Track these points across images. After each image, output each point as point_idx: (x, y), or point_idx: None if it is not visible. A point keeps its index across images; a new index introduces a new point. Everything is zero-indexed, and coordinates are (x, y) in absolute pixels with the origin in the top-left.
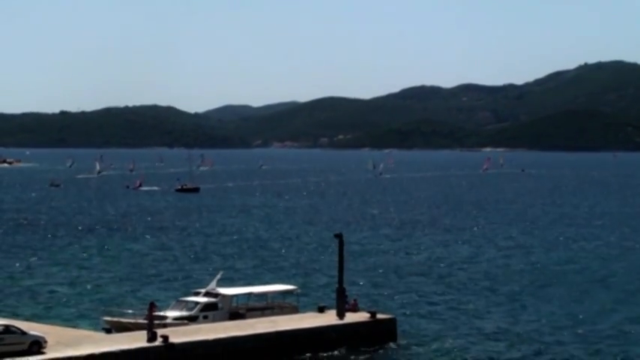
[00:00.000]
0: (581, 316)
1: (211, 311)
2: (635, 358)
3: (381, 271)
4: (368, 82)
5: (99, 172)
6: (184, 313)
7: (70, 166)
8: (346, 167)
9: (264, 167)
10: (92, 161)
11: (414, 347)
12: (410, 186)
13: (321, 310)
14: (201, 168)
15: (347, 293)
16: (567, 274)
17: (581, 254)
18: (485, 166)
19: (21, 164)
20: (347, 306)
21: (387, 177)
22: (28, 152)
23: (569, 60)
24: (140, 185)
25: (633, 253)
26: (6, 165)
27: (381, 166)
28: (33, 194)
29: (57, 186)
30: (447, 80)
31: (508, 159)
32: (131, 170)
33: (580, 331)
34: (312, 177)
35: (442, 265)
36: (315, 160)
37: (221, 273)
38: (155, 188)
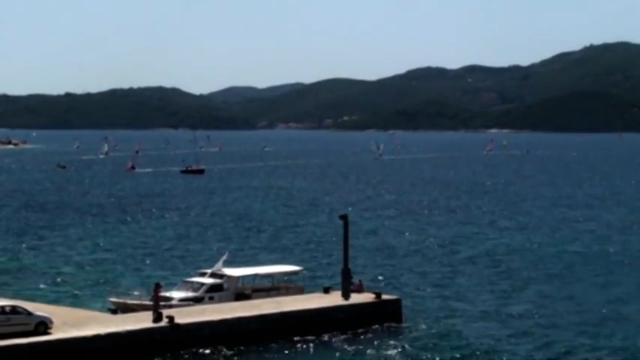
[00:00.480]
0: (581, 297)
1: (217, 292)
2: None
3: (386, 251)
4: (373, 63)
5: (107, 154)
6: (190, 294)
7: (78, 148)
8: (350, 149)
9: (266, 149)
10: (99, 143)
11: (420, 328)
12: (410, 168)
13: (326, 290)
14: (212, 149)
15: (352, 274)
16: (568, 256)
17: (583, 235)
18: (488, 148)
19: (26, 145)
20: (352, 287)
21: (387, 159)
22: (34, 134)
23: (574, 41)
24: (132, 167)
25: (632, 234)
26: (11, 146)
27: (381, 147)
28: (39, 175)
29: (63, 167)
30: (453, 61)
31: (513, 140)
32: (137, 152)
33: (581, 312)
34: (314, 159)
35: (447, 246)
36: (319, 141)
37: (227, 254)
38: (148, 170)
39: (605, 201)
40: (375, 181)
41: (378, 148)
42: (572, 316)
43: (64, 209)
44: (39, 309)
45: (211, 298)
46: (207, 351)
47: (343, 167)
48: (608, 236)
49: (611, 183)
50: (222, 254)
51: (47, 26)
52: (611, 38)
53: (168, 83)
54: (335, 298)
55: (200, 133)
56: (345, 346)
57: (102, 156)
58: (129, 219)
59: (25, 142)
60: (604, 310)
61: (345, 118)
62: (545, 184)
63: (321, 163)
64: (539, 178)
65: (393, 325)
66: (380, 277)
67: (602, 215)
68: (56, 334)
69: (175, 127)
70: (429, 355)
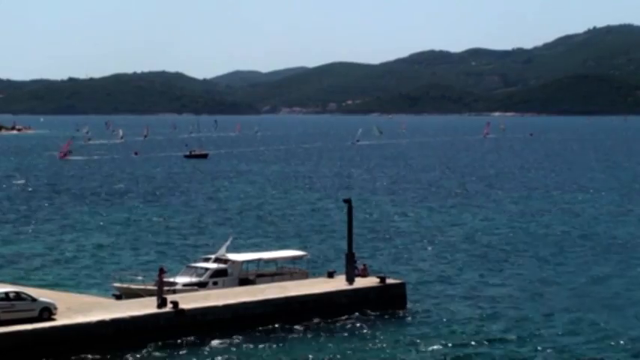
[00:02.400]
0: (584, 281)
1: (221, 277)
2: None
3: (389, 236)
4: (377, 47)
5: (122, 138)
6: (194, 279)
7: (87, 133)
8: (351, 133)
9: (259, 134)
10: (104, 128)
11: (424, 312)
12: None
13: (330, 275)
14: (231, 133)
15: (356, 258)
16: (570, 240)
17: (583, 219)
18: (485, 132)
19: (30, 131)
20: (356, 271)
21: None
22: (42, 119)
23: (578, 24)
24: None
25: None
26: (15, 132)
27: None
28: (42, 161)
29: (69, 152)
30: (456, 45)
31: (516, 123)
32: (145, 136)
33: (584, 296)
34: (312, 143)
35: (450, 230)
36: (319, 125)
37: (231, 239)
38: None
39: (606, 184)
40: (372, 166)
41: (380, 132)
42: (585, 302)
43: (67, 195)
44: (43, 295)
45: (215, 283)
46: (212, 336)
47: (340, 152)
48: (605, 219)
49: (612, 167)
50: (226, 239)
51: (50, 11)
52: (614, 21)
53: (171, 68)
54: (339, 283)
55: (204, 118)
56: (350, 331)
57: (120, 140)
58: (133, 204)
59: (29, 128)
60: (601, 295)
61: (349, 102)
62: (543, 168)
63: (316, 147)
64: (536, 161)
65: (398, 309)
66: (384, 262)
67: (604, 199)
68: (60, 320)
69: (179, 112)
70: (434, 340)
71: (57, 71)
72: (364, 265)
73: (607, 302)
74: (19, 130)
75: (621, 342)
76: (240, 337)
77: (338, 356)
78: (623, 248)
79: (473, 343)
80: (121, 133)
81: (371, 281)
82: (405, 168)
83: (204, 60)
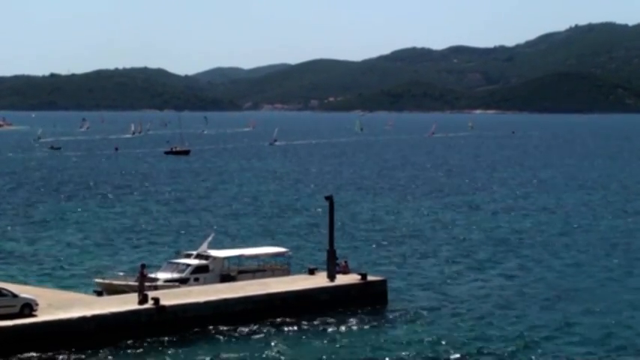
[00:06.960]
0: (568, 278)
1: (202, 273)
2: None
3: (370, 233)
4: (359, 44)
5: (133, 133)
6: (175, 276)
7: (87, 129)
8: (331, 129)
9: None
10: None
11: (405, 308)
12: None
13: (311, 272)
14: (245, 129)
15: (337, 255)
16: (551, 237)
17: (562, 218)
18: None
19: (12, 127)
20: (338, 268)
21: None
22: (34, 115)
23: (559, 21)
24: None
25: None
26: None
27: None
28: (26, 156)
29: (57, 149)
30: (438, 42)
31: (498, 121)
32: (140, 132)
33: (576, 296)
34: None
35: (432, 227)
36: (293, 122)
37: (212, 235)
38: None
39: (588, 182)
40: (345, 162)
41: (362, 129)
42: (567, 302)
43: (48, 191)
44: (24, 291)
45: (197, 280)
46: (193, 333)
47: (317, 149)
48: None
49: (589, 165)
50: (207, 235)
51: (32, 7)
52: (596, 19)
53: (153, 64)
54: (320, 280)
55: (186, 114)
56: (331, 328)
57: (132, 135)
58: (113, 201)
59: (10, 124)
60: (584, 293)
61: (331, 99)
62: (519, 165)
63: (289, 145)
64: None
65: (379, 305)
66: (365, 258)
67: (585, 197)
68: (42, 316)
69: (161, 108)
70: (414, 336)
71: (38, 67)
72: (345, 261)
73: (590, 300)
74: None
75: (606, 340)
76: (221, 334)
77: (319, 353)
78: (600, 245)
79: (453, 340)
80: (132, 127)
81: (352, 278)
82: (385, 165)
83: (185, 56)
